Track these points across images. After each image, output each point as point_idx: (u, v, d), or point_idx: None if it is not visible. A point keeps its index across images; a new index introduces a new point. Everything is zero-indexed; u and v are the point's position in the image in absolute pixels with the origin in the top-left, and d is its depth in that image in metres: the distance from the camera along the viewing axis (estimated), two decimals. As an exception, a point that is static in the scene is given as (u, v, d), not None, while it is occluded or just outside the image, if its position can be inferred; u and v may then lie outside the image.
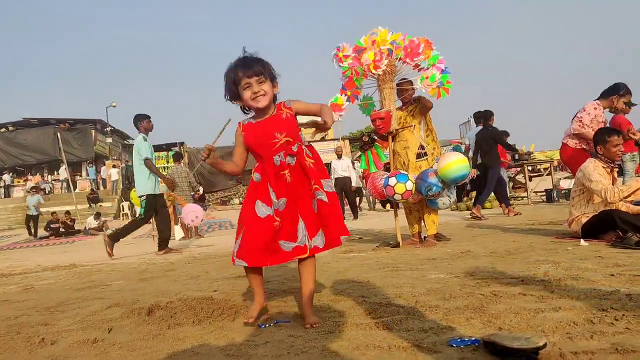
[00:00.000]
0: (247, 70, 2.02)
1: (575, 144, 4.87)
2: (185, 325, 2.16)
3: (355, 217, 10.79)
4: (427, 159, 4.60)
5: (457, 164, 4.17)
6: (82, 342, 2.02)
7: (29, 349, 2.00)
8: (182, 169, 9.47)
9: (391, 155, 4.81)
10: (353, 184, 11.23)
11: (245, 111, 2.19)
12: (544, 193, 11.42)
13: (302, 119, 2.22)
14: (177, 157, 10.17)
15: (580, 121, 4.85)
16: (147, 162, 6.20)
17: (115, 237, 6.19)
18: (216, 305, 2.40)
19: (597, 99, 4.90)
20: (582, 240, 3.79)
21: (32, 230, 15.67)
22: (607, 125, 5.14)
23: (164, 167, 19.87)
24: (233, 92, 2.09)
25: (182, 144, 27.80)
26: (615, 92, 4.89)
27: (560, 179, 11.51)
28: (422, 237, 4.80)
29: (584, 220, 3.97)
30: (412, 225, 4.83)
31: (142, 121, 6.42)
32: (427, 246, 4.50)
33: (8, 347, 2.06)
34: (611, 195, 3.76)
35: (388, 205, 12.04)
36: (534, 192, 11.96)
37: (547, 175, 12.96)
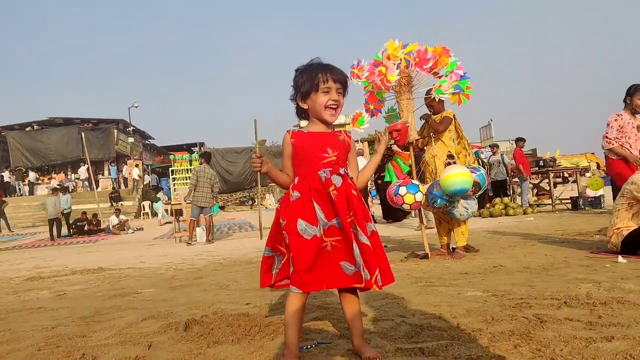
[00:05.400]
0: (335, 75, 1.86)
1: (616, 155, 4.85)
2: (225, 344, 2.14)
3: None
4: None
5: (455, 177, 3.93)
6: (123, 359, 2.02)
7: (71, 364, 2.01)
8: (209, 171, 9.42)
9: (413, 165, 4.78)
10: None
11: (299, 115, 1.99)
12: (569, 201, 11.21)
13: None
14: (207, 157, 9.93)
15: (607, 137, 4.86)
16: None
17: None
18: (253, 322, 2.38)
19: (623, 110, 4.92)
20: (619, 256, 3.69)
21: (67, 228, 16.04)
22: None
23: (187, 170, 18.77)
24: (308, 88, 1.86)
25: (202, 144, 28.06)
26: (627, 94, 4.89)
27: (586, 186, 11.30)
28: (451, 248, 4.73)
29: (626, 233, 3.86)
30: (441, 237, 4.76)
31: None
32: (456, 258, 4.43)
33: (50, 361, 2.07)
34: None
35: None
36: (558, 199, 11.74)
37: (573, 182, 12.71)
